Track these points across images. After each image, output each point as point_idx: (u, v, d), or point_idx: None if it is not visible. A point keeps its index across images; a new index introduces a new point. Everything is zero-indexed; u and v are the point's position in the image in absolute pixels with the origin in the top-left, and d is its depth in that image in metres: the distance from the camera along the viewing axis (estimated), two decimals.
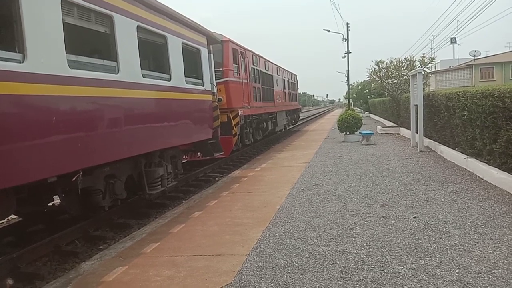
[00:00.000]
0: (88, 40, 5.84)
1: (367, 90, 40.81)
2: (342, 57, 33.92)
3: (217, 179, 10.25)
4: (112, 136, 5.49)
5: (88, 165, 5.14)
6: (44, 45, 4.29)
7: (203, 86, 8.79)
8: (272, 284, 3.58)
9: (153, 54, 7.52)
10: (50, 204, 6.50)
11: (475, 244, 4.14)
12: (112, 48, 5.59)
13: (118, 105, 5.65)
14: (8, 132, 3.86)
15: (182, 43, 7.77)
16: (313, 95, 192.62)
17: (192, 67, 8.54)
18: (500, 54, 43.34)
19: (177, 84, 7.47)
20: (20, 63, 4.00)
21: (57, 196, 5.95)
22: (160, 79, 6.98)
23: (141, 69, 6.22)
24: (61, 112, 4.53)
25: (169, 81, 7.20)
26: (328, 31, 32.92)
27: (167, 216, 6.53)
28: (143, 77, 6.26)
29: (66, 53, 4.60)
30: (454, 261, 3.77)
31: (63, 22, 4.58)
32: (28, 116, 4.09)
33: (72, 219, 6.21)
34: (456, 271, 3.56)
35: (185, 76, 7.84)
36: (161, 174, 7.07)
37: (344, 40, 32.31)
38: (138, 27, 6.16)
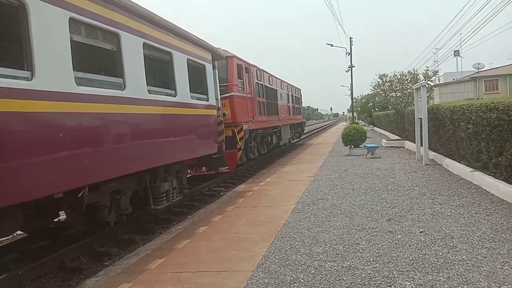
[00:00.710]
0: (95, 58, 5.94)
1: (371, 103, 40.90)
2: (346, 71, 34.15)
3: (221, 193, 10.24)
4: (118, 152, 5.53)
5: (94, 181, 5.17)
6: (52, 63, 4.37)
7: (208, 101, 8.87)
8: None
9: (158, 70, 7.61)
10: (56, 219, 6.51)
11: (483, 259, 4.09)
12: (119, 65, 5.67)
13: (124, 121, 5.70)
14: (16, 149, 3.91)
15: (187, 59, 7.87)
16: (317, 109, 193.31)
17: (197, 83, 8.63)
18: (504, 66, 43.31)
19: (183, 99, 7.54)
20: (28, 80, 4.07)
21: (63, 211, 5.97)
22: (166, 95, 7.05)
23: (147, 85, 6.30)
24: (68, 129, 4.59)
25: (175, 96, 7.27)
26: (331, 45, 33.17)
27: (172, 231, 6.52)
28: (149, 93, 6.34)
29: (73, 70, 4.68)
30: (462, 276, 3.72)
31: (70, 40, 4.67)
32: (35, 133, 4.14)
33: (77, 235, 6.21)
34: (465, 286, 3.52)
35: (190, 92, 7.92)
36: (166, 189, 7.08)
37: (347, 54, 32.54)
38: (144, 44, 6.26)
